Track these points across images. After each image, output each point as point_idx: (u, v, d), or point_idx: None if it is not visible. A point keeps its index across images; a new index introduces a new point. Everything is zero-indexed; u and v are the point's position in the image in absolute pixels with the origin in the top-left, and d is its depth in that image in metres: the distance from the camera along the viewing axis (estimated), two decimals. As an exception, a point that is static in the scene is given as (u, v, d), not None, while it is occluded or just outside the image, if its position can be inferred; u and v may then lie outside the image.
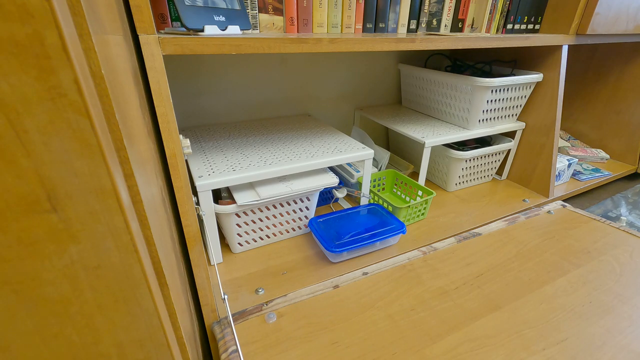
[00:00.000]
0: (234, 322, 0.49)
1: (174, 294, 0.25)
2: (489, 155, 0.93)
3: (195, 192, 0.55)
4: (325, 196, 0.81)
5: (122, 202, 0.16)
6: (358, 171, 0.78)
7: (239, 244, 0.66)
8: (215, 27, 0.45)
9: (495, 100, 0.83)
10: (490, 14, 0.82)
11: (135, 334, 0.19)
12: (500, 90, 0.82)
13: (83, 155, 0.14)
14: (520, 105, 0.91)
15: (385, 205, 0.76)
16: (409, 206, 0.74)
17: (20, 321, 0.16)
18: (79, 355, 0.18)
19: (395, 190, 0.88)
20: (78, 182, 0.15)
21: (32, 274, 0.15)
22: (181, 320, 0.25)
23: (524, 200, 0.90)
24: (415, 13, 0.75)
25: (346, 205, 0.83)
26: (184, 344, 0.24)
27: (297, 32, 0.63)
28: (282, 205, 0.66)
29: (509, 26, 0.86)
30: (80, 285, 0.16)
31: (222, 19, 0.47)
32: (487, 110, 0.84)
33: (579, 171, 1.10)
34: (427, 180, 0.99)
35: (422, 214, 0.79)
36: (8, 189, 0.13)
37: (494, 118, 0.88)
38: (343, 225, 0.67)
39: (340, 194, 0.77)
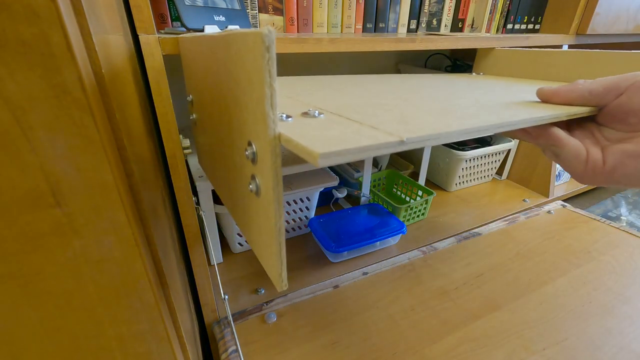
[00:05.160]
0: (234, 322, 0.49)
1: (174, 290, 0.25)
2: (489, 155, 0.93)
3: (195, 192, 0.55)
4: (325, 196, 0.82)
5: (124, 198, 0.16)
6: (358, 171, 0.78)
7: (239, 244, 0.66)
8: (215, 27, 0.46)
9: (495, 101, 0.83)
10: (490, 14, 0.82)
11: (136, 327, 0.19)
12: (500, 91, 0.82)
13: (86, 151, 0.15)
14: (520, 106, 0.91)
15: (385, 205, 0.76)
16: (409, 206, 0.74)
17: (24, 314, 0.16)
18: (82, 348, 0.18)
19: (395, 190, 0.88)
20: (81, 177, 0.15)
21: (36, 268, 0.16)
22: (181, 318, 0.26)
23: (524, 200, 0.90)
24: (415, 13, 0.75)
25: (346, 205, 0.83)
26: (183, 337, 0.24)
27: (297, 32, 0.63)
28: (282, 205, 0.66)
29: (509, 26, 0.86)
30: (83, 278, 0.17)
31: (222, 19, 0.48)
32: (487, 111, 0.84)
33: (579, 171, 1.10)
34: (427, 180, 0.99)
35: (422, 214, 0.79)
36: (13, 184, 0.14)
37: (494, 118, 0.88)
38: (343, 225, 0.68)
39: (340, 194, 0.77)
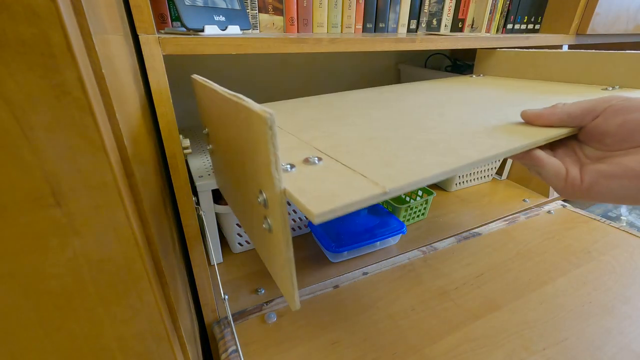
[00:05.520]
0: (234, 322, 0.49)
1: (174, 290, 0.25)
2: (489, 156, 0.93)
3: (195, 192, 0.55)
4: (326, 196, 0.81)
5: (124, 197, 0.16)
6: (358, 171, 0.78)
7: (239, 244, 0.66)
8: (215, 27, 0.46)
9: (495, 101, 0.84)
10: (490, 14, 0.82)
11: (136, 327, 0.19)
12: (500, 91, 0.82)
13: (86, 151, 0.15)
14: (520, 106, 0.91)
15: (385, 205, 0.76)
16: (409, 206, 0.74)
17: (24, 314, 0.16)
18: (81, 348, 0.18)
19: (395, 190, 0.88)
20: (81, 177, 0.15)
21: (37, 268, 0.16)
22: (181, 318, 0.26)
23: (524, 200, 0.90)
24: (415, 13, 0.75)
25: (346, 205, 0.83)
26: (183, 337, 0.24)
27: (297, 32, 0.63)
28: (282, 205, 0.66)
29: (509, 26, 0.86)
30: (83, 278, 0.17)
31: (222, 18, 0.48)
32: (487, 111, 0.84)
33: (579, 171, 1.10)
34: (427, 180, 0.99)
35: (422, 214, 0.79)
36: (14, 184, 0.14)
37: (494, 118, 0.88)
38: (343, 225, 0.68)
39: (340, 194, 0.76)
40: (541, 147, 0.32)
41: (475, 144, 0.31)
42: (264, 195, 0.24)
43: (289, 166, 0.27)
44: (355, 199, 0.21)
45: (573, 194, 0.30)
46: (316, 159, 0.28)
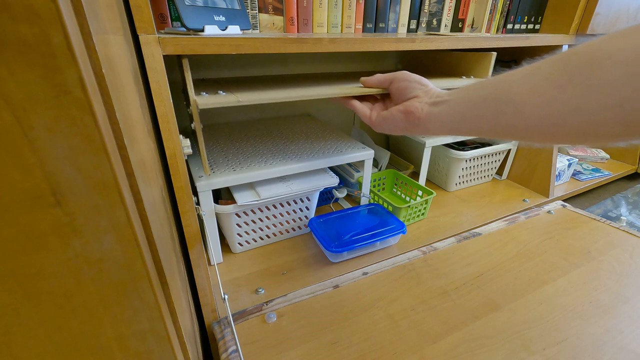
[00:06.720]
0: (234, 322, 0.49)
1: (174, 290, 0.25)
2: (489, 155, 0.93)
3: (195, 192, 0.55)
4: (325, 196, 0.82)
5: (124, 197, 0.16)
6: (358, 171, 0.78)
7: (239, 244, 0.66)
8: (215, 27, 0.46)
9: (495, 101, 0.84)
10: (490, 14, 0.82)
11: (136, 326, 0.19)
12: (499, 91, 0.82)
13: (87, 151, 0.15)
14: (520, 106, 0.91)
15: (385, 205, 0.76)
16: (409, 206, 0.74)
17: (25, 314, 0.16)
18: (82, 347, 0.18)
19: (395, 190, 0.88)
20: (81, 177, 0.15)
21: (37, 267, 0.16)
22: (181, 318, 0.26)
23: (524, 200, 0.90)
24: (415, 13, 0.75)
25: (346, 205, 0.83)
26: (183, 337, 0.24)
27: (297, 32, 0.63)
28: (282, 205, 0.66)
29: (509, 26, 0.86)
30: (83, 278, 0.17)
31: (222, 18, 0.48)
32: (486, 111, 0.84)
33: (579, 171, 1.11)
34: (427, 180, 0.99)
35: (422, 214, 0.79)
36: (14, 183, 0.14)
37: (494, 118, 0.88)
38: (343, 225, 0.68)
39: (340, 194, 0.77)
40: (365, 101, 0.52)
41: (316, 90, 0.52)
42: (190, 109, 0.44)
43: (205, 93, 0.47)
44: (222, 101, 0.43)
45: (373, 127, 0.49)
46: (222, 92, 0.48)
